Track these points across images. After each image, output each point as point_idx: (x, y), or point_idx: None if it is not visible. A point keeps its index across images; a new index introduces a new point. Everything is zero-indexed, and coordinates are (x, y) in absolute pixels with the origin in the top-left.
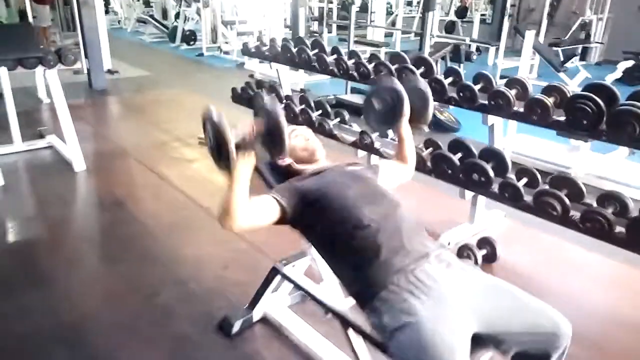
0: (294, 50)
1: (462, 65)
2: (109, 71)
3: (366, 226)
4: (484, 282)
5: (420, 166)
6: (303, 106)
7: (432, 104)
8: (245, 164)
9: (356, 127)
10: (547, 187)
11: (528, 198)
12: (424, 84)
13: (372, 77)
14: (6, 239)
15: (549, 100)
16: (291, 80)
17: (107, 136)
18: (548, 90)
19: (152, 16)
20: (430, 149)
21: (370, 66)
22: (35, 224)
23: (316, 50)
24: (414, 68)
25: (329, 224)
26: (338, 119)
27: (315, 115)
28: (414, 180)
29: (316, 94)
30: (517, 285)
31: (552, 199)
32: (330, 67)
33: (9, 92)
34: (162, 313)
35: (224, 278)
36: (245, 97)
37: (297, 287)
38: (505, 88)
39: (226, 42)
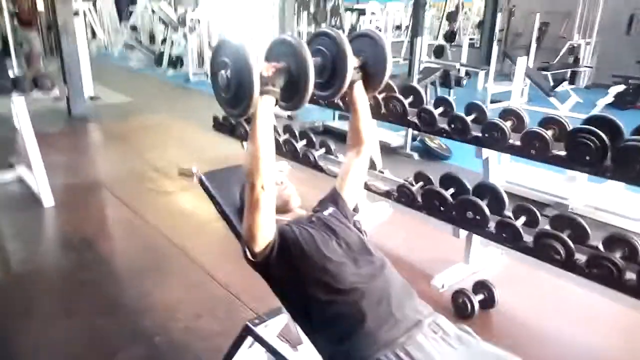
0: None
1: (452, 90)
2: (91, 98)
3: (348, 290)
4: (484, 356)
5: (410, 201)
6: (287, 135)
7: (390, 66)
8: (267, 104)
9: (343, 158)
10: (548, 227)
11: (528, 239)
12: (378, 38)
13: None
14: None
15: (548, 134)
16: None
17: (82, 167)
18: (546, 122)
19: (139, 41)
20: (421, 184)
21: None
22: None
23: None
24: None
25: (303, 284)
26: (324, 150)
27: (299, 145)
28: (403, 214)
29: (303, 119)
30: (518, 335)
31: (555, 241)
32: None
33: None
34: None
35: (196, 330)
36: (226, 125)
37: (271, 351)
38: (499, 120)
39: None
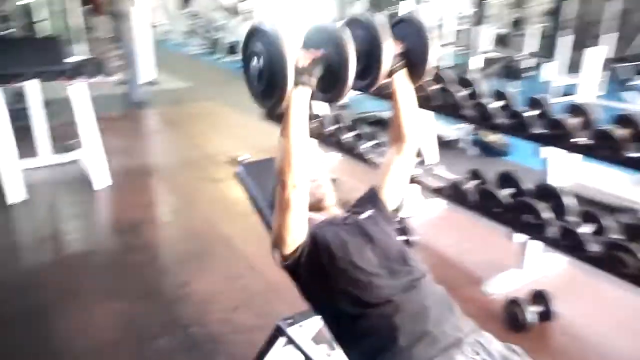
0: None
1: (515, 82)
2: (151, 83)
3: (382, 303)
4: None
5: (463, 200)
6: (336, 126)
7: (434, 54)
8: (302, 95)
9: None
10: (618, 236)
11: (593, 248)
12: (419, 23)
13: None
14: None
15: (619, 133)
16: None
17: (137, 151)
18: (620, 120)
19: (198, 28)
20: (475, 182)
21: None
22: (43, 246)
23: None
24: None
25: (332, 293)
26: (374, 142)
27: (348, 136)
28: (458, 211)
29: (356, 110)
30: (577, 353)
31: (625, 254)
32: None
33: (39, 104)
34: None
35: (231, 322)
36: (277, 114)
37: (303, 354)
38: (563, 116)
39: None
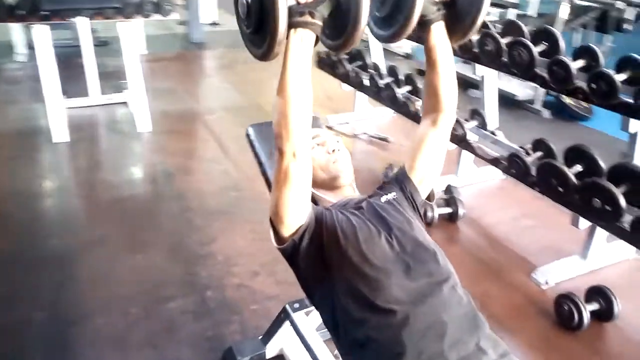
0: None
1: (609, 36)
2: (212, 23)
3: (389, 310)
4: None
5: (523, 174)
6: (389, 79)
7: (488, 4)
8: (302, 41)
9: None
10: None
11: None
12: None
13: (474, 49)
14: (45, 205)
15: None
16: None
17: (185, 94)
18: None
19: None
20: (539, 154)
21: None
22: (77, 190)
23: None
24: None
25: (333, 288)
26: None
27: (402, 91)
28: (516, 184)
29: (421, 60)
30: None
31: None
32: None
33: (90, 42)
34: (165, 328)
35: (249, 289)
36: (328, 62)
37: (303, 343)
38: None
39: None
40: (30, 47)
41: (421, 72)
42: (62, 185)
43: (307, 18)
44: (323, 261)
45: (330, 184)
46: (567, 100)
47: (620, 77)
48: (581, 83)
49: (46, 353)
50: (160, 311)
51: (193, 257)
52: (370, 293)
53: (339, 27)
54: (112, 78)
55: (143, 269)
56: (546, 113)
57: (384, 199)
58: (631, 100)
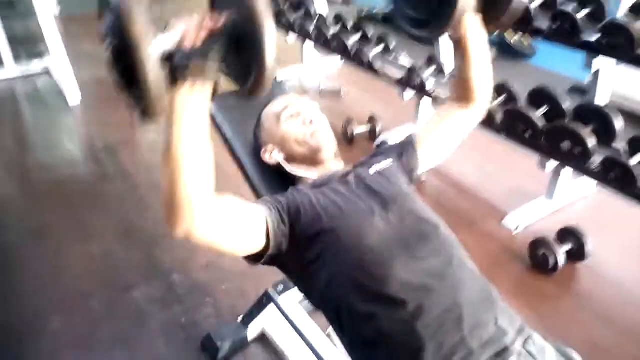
0: None
1: None
2: None
3: (396, 300)
4: None
5: (487, 122)
6: (338, 27)
7: None
8: (193, 97)
9: (404, 60)
10: None
11: None
12: None
13: None
14: None
15: None
16: None
17: None
18: None
19: None
20: (502, 98)
21: None
22: (7, 175)
23: None
24: None
25: (331, 282)
26: (382, 46)
27: (352, 40)
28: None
29: (363, 4)
30: (610, 297)
31: None
32: None
33: None
34: (133, 321)
35: (218, 268)
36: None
37: (295, 330)
38: (626, 19)
39: None
40: None
41: (369, 18)
42: None
43: (198, 69)
44: (314, 259)
45: (311, 159)
46: (510, 38)
47: (581, 15)
48: (542, 22)
49: None
50: (124, 303)
51: (151, 239)
52: (374, 282)
53: (243, 67)
54: (26, 44)
55: (97, 258)
56: (491, 52)
57: (372, 170)
58: (593, 39)
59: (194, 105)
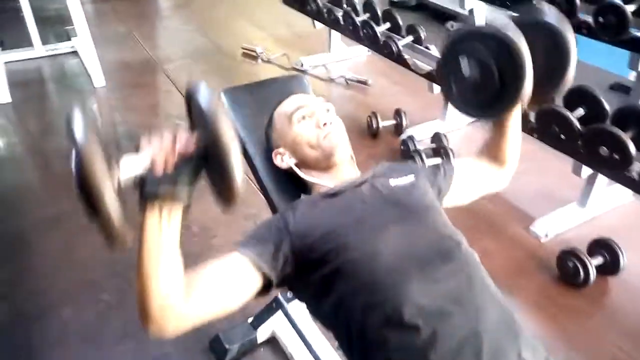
0: None
1: None
2: None
3: (409, 326)
4: None
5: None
6: (366, 15)
7: (574, 64)
8: (161, 221)
9: (435, 52)
10: None
11: None
12: (560, 23)
13: None
14: None
15: None
16: None
17: (141, 39)
18: None
19: None
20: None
21: None
22: (27, 159)
23: None
24: None
25: (341, 303)
26: (412, 37)
27: (381, 29)
28: None
29: None
30: None
31: None
32: None
33: None
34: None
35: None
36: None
37: (301, 338)
38: None
39: None
40: None
41: (399, 5)
42: (7, 155)
43: (168, 190)
44: (322, 280)
45: (324, 163)
46: None
47: (632, 7)
48: (586, 17)
49: (6, 357)
50: (135, 296)
51: None
52: (386, 304)
53: (214, 180)
54: (55, 24)
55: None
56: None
57: (394, 183)
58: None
59: (164, 227)
